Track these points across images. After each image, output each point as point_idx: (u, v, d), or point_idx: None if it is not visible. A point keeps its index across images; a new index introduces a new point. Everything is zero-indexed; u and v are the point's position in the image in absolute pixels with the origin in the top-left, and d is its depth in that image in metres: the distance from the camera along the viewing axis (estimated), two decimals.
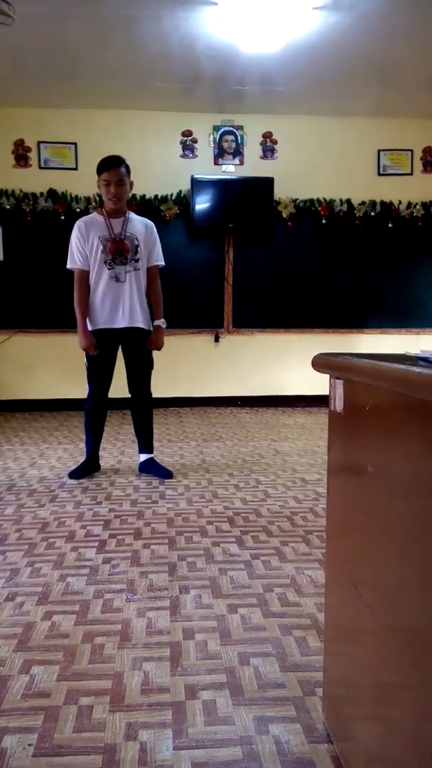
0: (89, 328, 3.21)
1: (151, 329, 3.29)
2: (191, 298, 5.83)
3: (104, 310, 3.19)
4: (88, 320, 3.22)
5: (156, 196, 5.65)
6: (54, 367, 5.75)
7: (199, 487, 3.14)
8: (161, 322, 3.30)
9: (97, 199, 5.61)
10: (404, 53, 4.42)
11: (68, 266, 3.24)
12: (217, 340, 5.90)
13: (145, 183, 5.63)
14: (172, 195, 5.66)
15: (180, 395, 5.82)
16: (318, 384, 5.80)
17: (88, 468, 3.37)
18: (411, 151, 5.89)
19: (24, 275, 5.66)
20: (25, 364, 5.77)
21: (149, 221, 3.32)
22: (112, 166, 3.09)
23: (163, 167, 5.68)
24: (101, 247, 3.14)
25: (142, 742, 1.22)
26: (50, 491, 3.06)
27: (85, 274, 3.20)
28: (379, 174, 5.89)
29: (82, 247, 3.18)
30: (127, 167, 3.17)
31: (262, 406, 5.94)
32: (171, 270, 5.76)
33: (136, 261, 3.19)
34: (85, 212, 5.60)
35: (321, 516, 2.66)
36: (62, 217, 5.60)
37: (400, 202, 5.86)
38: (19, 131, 5.57)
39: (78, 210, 5.60)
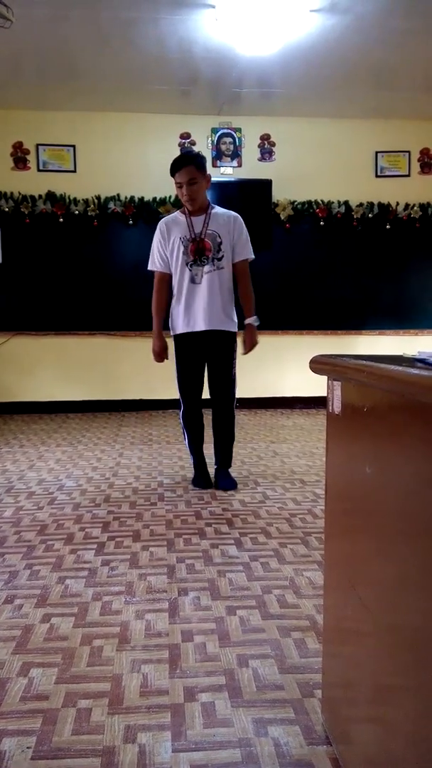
0: (174, 332, 3.14)
1: (234, 330, 3.13)
2: None
3: (185, 313, 3.08)
4: (172, 324, 3.14)
5: (154, 199, 5.66)
6: (53, 369, 5.75)
7: (198, 488, 3.14)
8: (252, 320, 3.13)
9: (96, 201, 5.62)
10: (401, 55, 4.44)
11: (149, 267, 3.16)
12: None
13: (144, 185, 5.64)
14: (170, 197, 5.66)
15: (178, 397, 5.80)
16: (316, 385, 5.80)
17: (207, 475, 3.25)
18: (408, 152, 5.91)
19: (23, 277, 5.66)
20: (24, 366, 5.77)
21: (234, 214, 3.12)
22: (181, 167, 2.93)
23: (161, 169, 5.64)
24: (182, 248, 3.03)
25: (140, 745, 1.22)
26: (49, 493, 3.06)
27: (165, 277, 3.12)
28: (377, 176, 5.91)
29: (163, 249, 3.09)
30: (199, 162, 2.99)
31: (260, 408, 5.94)
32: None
33: (219, 259, 3.03)
34: (84, 215, 5.61)
35: (320, 517, 2.66)
36: (61, 220, 5.61)
37: (397, 204, 5.88)
38: (17, 134, 5.58)
39: (76, 212, 5.61)
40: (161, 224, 3.11)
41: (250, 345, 3.15)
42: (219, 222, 3.06)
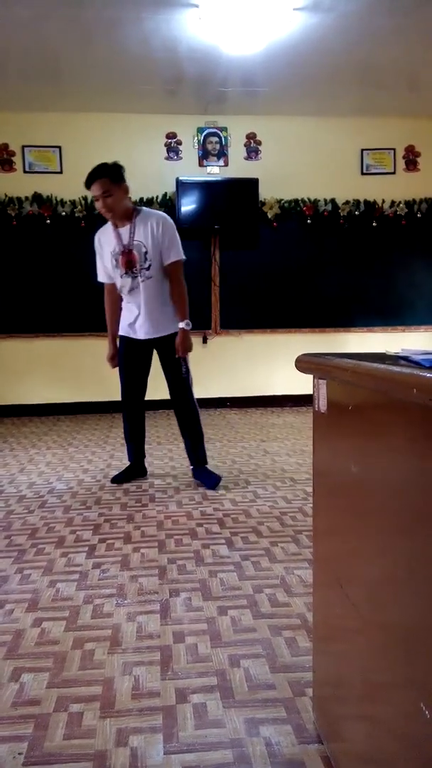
0: (119, 332, 3.20)
1: (175, 331, 3.11)
2: None
3: (126, 319, 3.15)
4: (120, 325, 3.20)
5: (141, 199, 5.64)
6: (42, 371, 5.72)
7: (189, 489, 3.14)
8: (184, 324, 3.08)
9: (83, 202, 5.60)
10: (385, 53, 4.45)
11: (97, 279, 3.22)
12: (205, 341, 5.90)
13: (131, 186, 5.56)
14: (157, 197, 5.66)
15: (168, 397, 5.80)
16: (306, 383, 5.81)
17: (131, 472, 3.33)
18: (393, 150, 5.93)
19: (11, 280, 5.63)
20: (13, 368, 5.74)
21: (159, 216, 3.05)
22: (94, 180, 2.92)
23: (148, 170, 5.68)
24: (114, 261, 3.05)
25: (132, 748, 1.21)
26: (40, 497, 3.04)
27: (111, 287, 3.18)
28: (363, 173, 5.92)
29: (101, 261, 3.15)
30: (113, 173, 2.95)
31: (250, 407, 5.95)
32: None
33: (148, 269, 3.01)
34: (71, 216, 5.59)
35: (310, 515, 2.67)
36: (48, 221, 5.58)
37: (383, 201, 5.89)
38: (2, 136, 5.55)
39: (63, 213, 5.58)
40: (95, 238, 3.16)
41: (181, 350, 3.10)
42: (143, 230, 2.99)
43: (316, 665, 1.31)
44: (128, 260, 3.01)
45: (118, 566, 2.14)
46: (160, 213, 3.11)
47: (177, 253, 3.05)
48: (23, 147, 5.58)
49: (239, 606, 1.81)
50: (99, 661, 1.53)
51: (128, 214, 3.01)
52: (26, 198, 5.56)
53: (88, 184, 2.94)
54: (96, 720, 1.30)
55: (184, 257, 3.09)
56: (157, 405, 5.65)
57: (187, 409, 3.22)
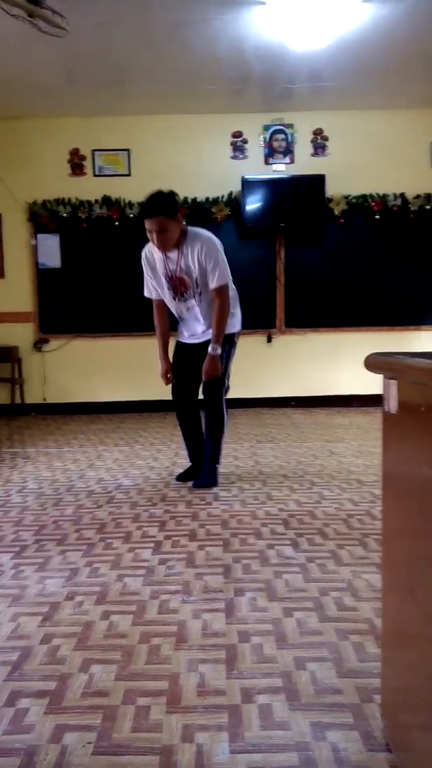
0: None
1: (229, 332, 3.08)
2: (243, 299, 5.77)
3: (181, 329, 3.21)
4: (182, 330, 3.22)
5: (207, 199, 5.68)
6: (110, 370, 5.86)
7: (253, 488, 3.14)
8: (212, 349, 2.98)
9: None
10: None
11: (144, 294, 3.21)
12: (269, 340, 5.88)
13: (196, 186, 5.68)
14: (223, 197, 5.68)
15: (232, 396, 5.81)
16: (374, 383, 5.69)
17: (192, 472, 3.31)
18: None
19: (81, 281, 5.80)
20: (82, 368, 5.91)
21: (204, 240, 2.96)
22: (150, 216, 2.83)
23: (213, 169, 5.71)
24: (165, 282, 3.06)
25: (198, 745, 1.22)
26: (107, 492, 3.12)
27: (160, 302, 3.17)
28: None
29: (150, 279, 3.12)
30: (170, 209, 2.85)
31: (316, 407, 5.87)
32: None
33: (200, 293, 3.02)
34: (139, 218, 5.67)
35: (378, 518, 2.60)
36: (116, 223, 5.71)
37: None
38: (73, 141, 5.72)
39: (131, 215, 5.69)
40: (144, 255, 3.09)
41: (205, 374, 3.02)
42: (191, 256, 2.94)
43: (384, 672, 1.27)
44: (178, 286, 3.03)
45: (184, 563, 2.16)
46: (205, 235, 2.99)
47: (221, 278, 2.95)
48: (93, 151, 5.73)
49: (305, 608, 1.79)
50: (165, 656, 1.55)
51: (178, 241, 2.94)
52: (96, 201, 5.71)
53: (144, 216, 2.86)
54: (162, 715, 1.32)
55: (227, 281, 3.00)
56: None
57: (211, 405, 3.15)
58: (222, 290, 2.98)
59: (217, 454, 3.24)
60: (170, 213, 2.85)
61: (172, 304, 3.13)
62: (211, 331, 3.03)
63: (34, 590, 1.95)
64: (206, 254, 2.94)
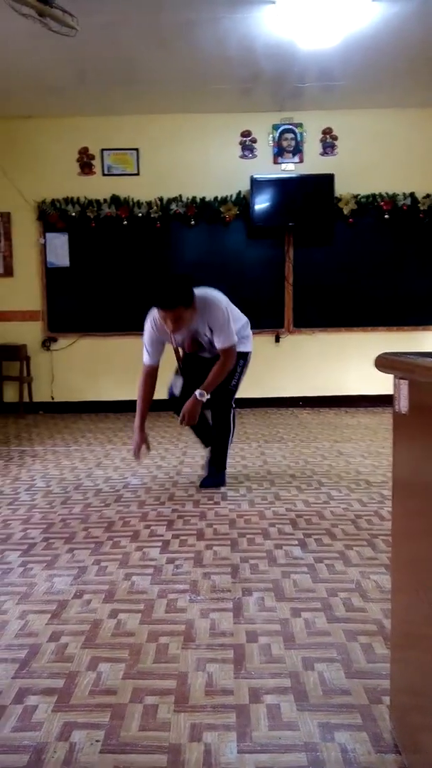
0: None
1: (243, 351, 3.08)
2: (251, 299, 5.79)
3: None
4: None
5: (216, 198, 5.68)
6: (118, 369, 5.86)
7: (261, 488, 3.13)
8: (200, 394, 2.94)
9: (158, 203, 5.69)
10: None
11: (145, 361, 3.09)
12: (277, 340, 5.87)
13: (205, 185, 5.68)
14: (231, 196, 5.67)
15: (240, 396, 5.80)
16: (382, 383, 5.66)
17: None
18: None
19: (89, 280, 5.81)
20: (91, 366, 5.92)
21: (207, 306, 2.90)
22: (167, 309, 2.76)
23: (222, 169, 5.71)
24: (179, 349, 3.11)
25: (206, 744, 1.22)
26: (115, 491, 3.12)
27: (152, 370, 3.07)
28: None
29: (153, 344, 3.02)
30: (186, 299, 2.77)
31: (324, 407, 5.86)
32: (231, 271, 5.80)
33: (214, 348, 3.00)
34: (147, 217, 5.69)
35: (387, 519, 2.60)
36: (125, 223, 5.72)
37: None
38: (83, 140, 5.73)
39: (139, 215, 5.69)
40: (151, 323, 2.98)
41: (186, 417, 2.98)
42: (200, 325, 2.94)
43: (394, 673, 1.27)
44: (191, 345, 3.04)
45: (191, 562, 2.16)
46: (211, 301, 2.92)
47: (226, 340, 2.93)
48: (102, 150, 5.74)
49: (313, 609, 1.78)
50: (173, 655, 1.55)
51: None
52: (104, 200, 5.72)
53: (160, 307, 2.79)
54: (170, 714, 1.32)
55: (234, 341, 2.96)
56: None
57: (219, 413, 3.14)
58: (228, 350, 2.96)
59: (224, 459, 3.24)
60: (188, 302, 2.79)
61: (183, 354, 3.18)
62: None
63: (43, 588, 1.96)
64: (212, 320, 2.91)
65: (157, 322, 2.93)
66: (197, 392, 2.96)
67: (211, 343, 2.99)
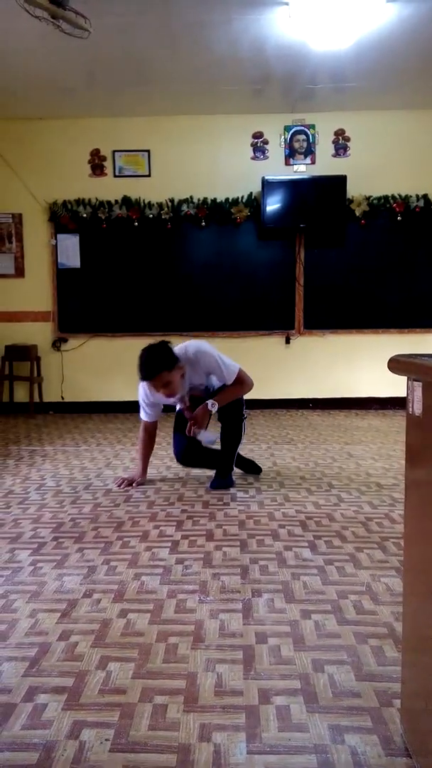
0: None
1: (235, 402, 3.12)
2: (261, 300, 5.82)
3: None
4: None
5: (227, 199, 5.68)
6: (127, 369, 5.84)
7: (271, 490, 3.13)
8: (211, 404, 2.97)
9: (169, 204, 5.70)
10: None
11: (142, 417, 3.22)
12: (288, 341, 5.86)
13: (216, 187, 5.68)
14: (242, 197, 5.68)
15: (250, 397, 5.80)
16: (393, 386, 5.66)
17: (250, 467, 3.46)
18: None
19: (99, 281, 5.83)
20: (101, 367, 5.94)
21: (199, 357, 2.99)
22: (150, 378, 2.89)
23: (233, 170, 5.71)
24: (178, 405, 3.16)
25: (215, 744, 1.22)
26: (125, 491, 3.12)
27: (149, 426, 3.22)
28: None
29: (150, 406, 3.16)
30: (167, 363, 2.85)
31: (334, 408, 5.84)
32: (242, 272, 5.80)
33: (214, 395, 3.08)
34: (158, 218, 5.70)
35: (398, 522, 2.58)
36: (135, 224, 5.73)
37: None
38: (95, 141, 5.76)
39: (150, 216, 5.70)
40: (144, 392, 3.10)
41: (192, 419, 3.00)
42: (195, 377, 3.05)
43: (405, 677, 1.26)
44: (193, 400, 3.08)
45: (201, 563, 2.16)
46: (195, 352, 2.99)
47: (229, 371, 3.01)
48: (113, 152, 5.76)
49: (323, 611, 1.78)
50: (182, 655, 1.55)
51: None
52: (116, 201, 5.74)
53: (147, 379, 2.91)
54: (180, 713, 1.32)
55: (237, 367, 3.05)
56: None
57: (235, 428, 3.18)
58: (238, 377, 3.04)
59: (232, 461, 3.26)
60: (169, 366, 2.86)
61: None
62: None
63: (52, 587, 1.97)
64: (207, 366, 3.01)
65: (149, 393, 3.08)
66: (209, 402, 2.98)
67: (208, 388, 3.09)
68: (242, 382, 3.08)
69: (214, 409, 3.00)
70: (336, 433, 4.69)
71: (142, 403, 3.18)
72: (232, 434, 3.19)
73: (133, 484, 3.21)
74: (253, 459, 3.55)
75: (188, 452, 3.15)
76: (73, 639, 1.63)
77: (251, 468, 3.45)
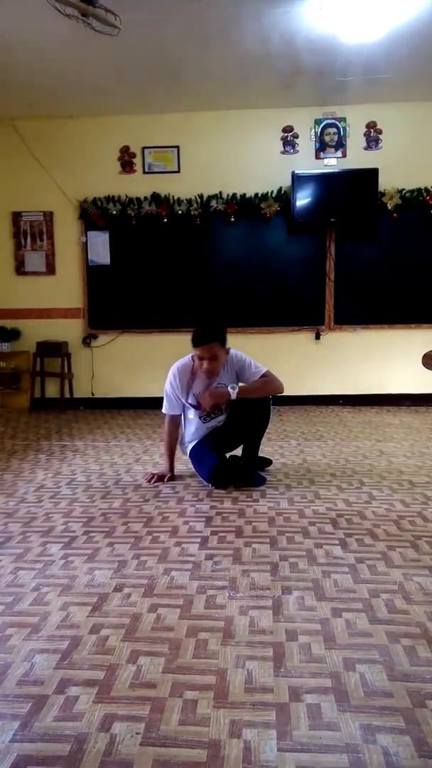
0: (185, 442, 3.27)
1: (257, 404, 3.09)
2: (292, 296, 5.78)
3: (198, 433, 3.21)
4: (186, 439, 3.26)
5: (256, 194, 5.65)
6: (157, 365, 5.88)
7: (301, 486, 3.10)
8: (233, 389, 3.02)
9: (198, 200, 5.69)
10: None
11: (163, 410, 3.23)
12: (318, 337, 5.81)
13: (246, 182, 5.66)
14: (272, 192, 5.64)
15: (280, 394, 5.77)
16: (426, 382, 5.57)
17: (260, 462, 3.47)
18: None
19: (129, 278, 5.87)
20: (131, 362, 5.98)
21: (234, 358, 3.08)
22: (205, 342, 2.92)
23: (263, 165, 5.68)
24: (196, 403, 3.13)
25: (246, 741, 1.22)
26: (154, 486, 3.14)
27: (176, 418, 3.23)
28: None
29: (176, 397, 3.15)
30: (222, 337, 2.97)
31: (365, 405, 5.78)
32: (271, 268, 5.77)
33: (227, 408, 3.13)
34: (187, 214, 5.70)
35: (431, 521, 2.54)
36: (165, 220, 5.74)
37: None
38: (124, 138, 5.78)
39: (180, 212, 5.71)
40: (174, 375, 3.11)
41: (209, 397, 3.00)
42: (227, 377, 3.09)
43: None
44: (212, 405, 3.05)
45: (230, 559, 2.15)
46: (233, 353, 3.09)
47: (259, 368, 3.08)
48: (143, 148, 5.78)
49: (354, 609, 1.76)
50: (212, 651, 1.54)
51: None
52: (145, 198, 5.76)
53: (199, 343, 2.93)
54: (210, 709, 1.32)
55: (265, 369, 3.11)
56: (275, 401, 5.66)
57: (262, 407, 3.13)
58: (268, 375, 3.09)
59: (257, 451, 3.28)
60: (223, 341, 2.98)
61: (193, 422, 3.18)
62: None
63: (83, 581, 1.98)
64: (238, 365, 3.08)
65: (181, 378, 3.07)
66: (230, 387, 3.02)
67: (229, 400, 3.03)
68: (271, 379, 3.09)
69: (233, 395, 3.01)
70: (367, 429, 4.64)
71: (168, 394, 3.17)
72: (260, 417, 3.13)
73: (164, 479, 3.23)
74: (264, 456, 3.55)
75: (219, 471, 3.07)
76: (103, 632, 1.64)
77: (263, 464, 3.47)
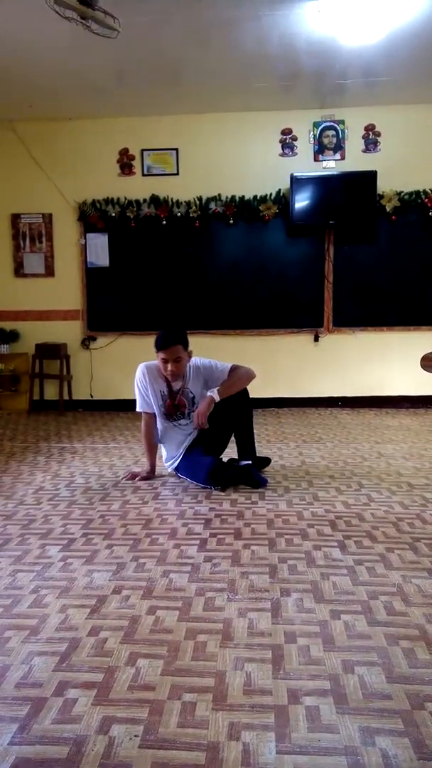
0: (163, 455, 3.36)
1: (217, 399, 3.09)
2: (290, 298, 5.79)
3: (172, 447, 3.29)
4: (163, 449, 3.34)
5: (255, 197, 5.66)
6: None
7: (299, 489, 3.11)
8: (214, 392, 3.06)
9: (197, 202, 5.70)
10: None
11: (137, 409, 3.30)
12: (316, 339, 5.81)
13: (244, 184, 5.67)
14: (271, 195, 5.65)
15: (279, 396, 5.79)
16: (425, 384, 5.57)
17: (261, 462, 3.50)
18: None
19: (128, 280, 5.87)
20: (129, 365, 5.93)
21: (196, 366, 3.19)
22: (168, 345, 3.01)
23: (262, 167, 5.69)
24: (161, 401, 3.19)
25: (245, 743, 1.21)
26: (153, 488, 3.14)
27: (150, 417, 3.26)
28: None
29: (145, 394, 3.22)
30: (185, 340, 3.07)
31: (363, 407, 5.78)
32: (270, 270, 5.78)
33: (189, 417, 3.20)
34: (186, 216, 5.71)
35: (429, 523, 2.54)
36: (164, 222, 5.75)
37: None
38: (123, 140, 5.79)
39: (178, 214, 5.71)
40: (142, 373, 3.20)
41: (197, 416, 3.06)
42: (194, 381, 3.18)
43: None
44: (175, 405, 3.17)
45: (229, 561, 2.15)
46: (193, 360, 3.19)
47: (225, 366, 3.19)
48: (142, 150, 5.78)
49: (353, 611, 1.76)
50: (211, 653, 1.54)
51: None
52: (144, 200, 5.76)
53: (161, 347, 3.03)
54: (209, 711, 1.31)
55: (230, 365, 3.20)
56: (266, 404, 5.66)
57: (242, 399, 3.22)
58: (235, 367, 3.18)
59: (253, 445, 3.32)
60: (185, 344, 3.08)
61: (164, 427, 3.25)
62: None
63: (82, 583, 1.98)
64: (205, 369, 3.19)
65: (148, 379, 3.17)
66: (211, 391, 3.08)
67: (193, 402, 3.16)
68: (241, 371, 3.17)
69: (217, 399, 3.06)
70: (366, 431, 4.64)
71: (139, 389, 3.23)
72: (244, 408, 3.23)
73: (136, 479, 3.28)
74: (263, 456, 3.57)
75: (216, 470, 3.07)
76: (102, 635, 1.64)
77: (262, 463, 3.48)
